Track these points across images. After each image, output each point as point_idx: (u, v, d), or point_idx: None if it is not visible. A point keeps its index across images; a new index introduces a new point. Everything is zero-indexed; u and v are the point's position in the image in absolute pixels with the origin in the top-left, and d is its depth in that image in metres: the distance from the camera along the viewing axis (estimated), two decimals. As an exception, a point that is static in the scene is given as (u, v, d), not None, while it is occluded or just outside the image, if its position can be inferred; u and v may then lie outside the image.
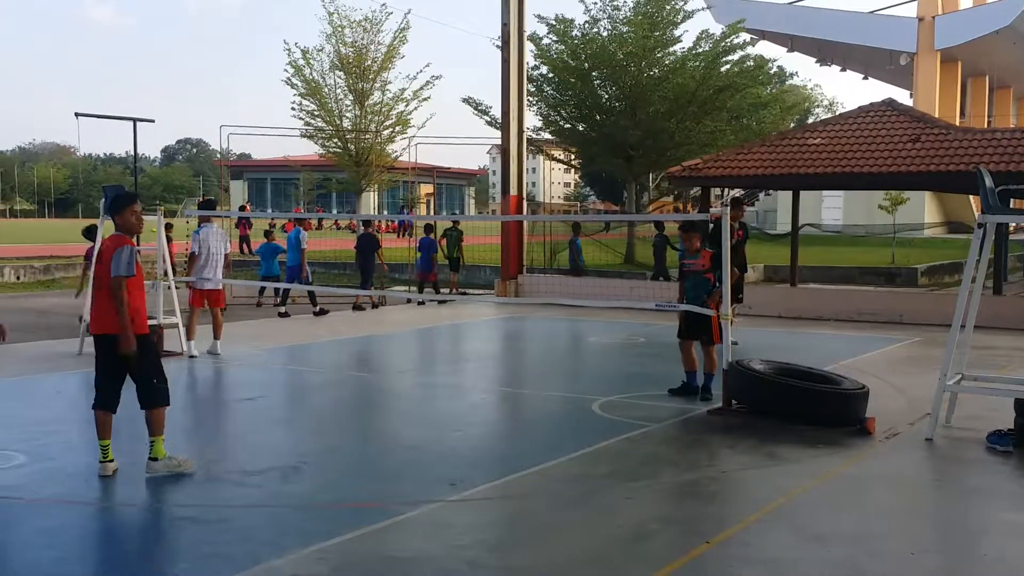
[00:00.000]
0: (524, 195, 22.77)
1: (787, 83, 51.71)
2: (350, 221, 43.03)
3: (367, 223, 21.30)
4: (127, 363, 6.73)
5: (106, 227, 13.48)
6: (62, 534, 5.80)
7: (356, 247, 20.34)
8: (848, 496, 6.64)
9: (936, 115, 31.82)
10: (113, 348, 6.71)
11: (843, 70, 58.23)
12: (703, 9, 32.80)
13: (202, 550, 5.71)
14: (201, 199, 22.88)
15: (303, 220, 19.96)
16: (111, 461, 6.88)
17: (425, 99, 35.38)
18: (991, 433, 8.00)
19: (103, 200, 13.28)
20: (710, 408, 9.33)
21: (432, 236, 21.44)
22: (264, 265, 19.46)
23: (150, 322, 12.85)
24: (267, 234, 19.88)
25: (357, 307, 19.33)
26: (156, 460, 6.81)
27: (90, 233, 13.43)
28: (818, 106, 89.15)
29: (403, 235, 33.78)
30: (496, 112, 27.63)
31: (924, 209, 46.11)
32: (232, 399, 6.89)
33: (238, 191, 77.29)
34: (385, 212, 58.01)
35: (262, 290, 19.61)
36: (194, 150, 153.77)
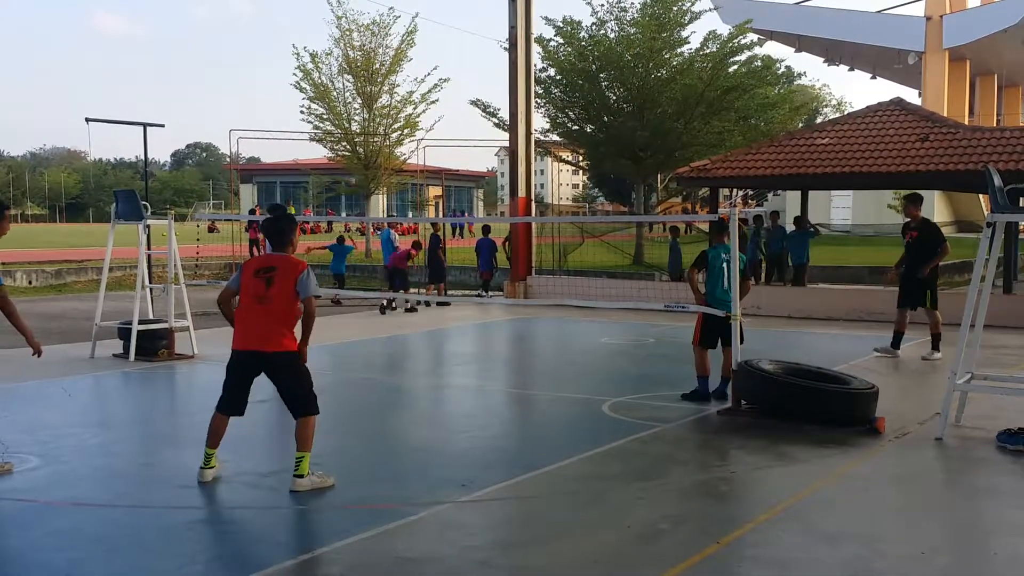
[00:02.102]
0: (532, 197, 22.81)
1: (795, 83, 51.59)
2: (361, 224, 43.17)
3: (434, 224, 22.95)
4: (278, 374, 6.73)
5: (117, 231, 13.60)
6: (75, 536, 5.84)
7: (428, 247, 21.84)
8: (858, 496, 6.65)
9: (945, 114, 31.76)
10: (268, 365, 6.67)
11: (851, 70, 58.10)
12: (710, 10, 32.77)
13: (215, 551, 5.76)
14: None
15: (394, 223, 23.80)
16: (211, 468, 6.81)
17: (433, 102, 35.60)
18: (1001, 432, 7.99)
19: (114, 204, 13.41)
20: (720, 408, 9.34)
21: (490, 237, 22.71)
22: (334, 264, 22.31)
23: (162, 325, 13.03)
24: (340, 239, 22.77)
25: (441, 303, 20.81)
26: (301, 477, 6.63)
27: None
28: (826, 106, 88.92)
29: (458, 235, 34.56)
30: (504, 114, 27.67)
31: (934, 208, 45.94)
32: (248, 399, 6.98)
33: (248, 195, 77.52)
34: (440, 215, 58.39)
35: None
36: (204, 154, 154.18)
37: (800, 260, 21.26)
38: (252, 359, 6.70)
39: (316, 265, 26.10)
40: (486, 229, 23.21)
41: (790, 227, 22.60)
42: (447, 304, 20.86)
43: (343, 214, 67.83)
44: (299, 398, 6.70)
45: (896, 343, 13.10)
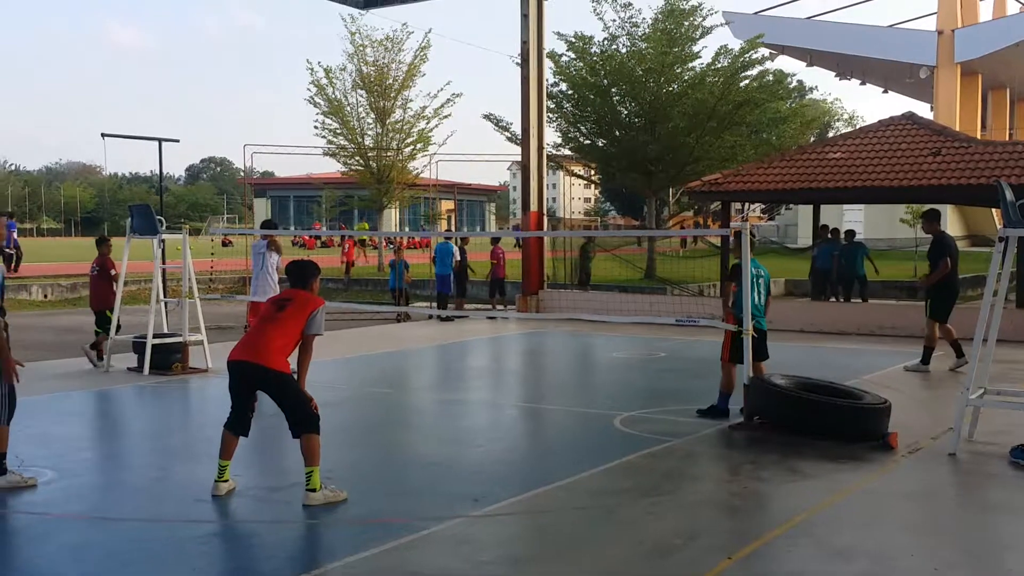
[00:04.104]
0: (544, 211, 22.84)
1: (807, 97, 51.60)
2: (370, 238, 43.32)
3: (463, 239, 23.35)
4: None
5: (132, 245, 13.68)
6: (89, 550, 5.88)
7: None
8: (871, 511, 6.63)
9: (957, 128, 31.70)
10: (261, 381, 6.79)
11: (863, 84, 58.05)
12: (722, 25, 32.83)
13: (228, 565, 5.79)
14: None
15: (450, 237, 24.02)
16: (225, 481, 6.91)
17: (446, 116, 35.71)
18: (1015, 448, 7.95)
19: (129, 219, 13.50)
20: (732, 423, 9.32)
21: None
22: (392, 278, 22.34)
23: (176, 339, 13.10)
24: (397, 251, 22.76)
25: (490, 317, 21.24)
26: (313, 491, 6.68)
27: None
28: (838, 120, 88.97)
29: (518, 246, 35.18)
30: (516, 128, 27.74)
31: (946, 222, 45.66)
32: (257, 414, 7.02)
33: (261, 209, 77.79)
34: (495, 227, 58.59)
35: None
36: (218, 168, 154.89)
37: (860, 273, 20.98)
38: (243, 369, 6.80)
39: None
40: (539, 242, 23.57)
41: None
42: (465, 317, 21.03)
43: (354, 227, 68.04)
44: (295, 417, 6.76)
45: (925, 358, 13.01)
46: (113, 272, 13.47)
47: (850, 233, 21.98)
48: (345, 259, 32.41)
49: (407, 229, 61.65)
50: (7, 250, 28.72)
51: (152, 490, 7.31)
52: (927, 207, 14.21)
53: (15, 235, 29.69)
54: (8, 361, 7.06)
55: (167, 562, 5.65)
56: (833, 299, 21.16)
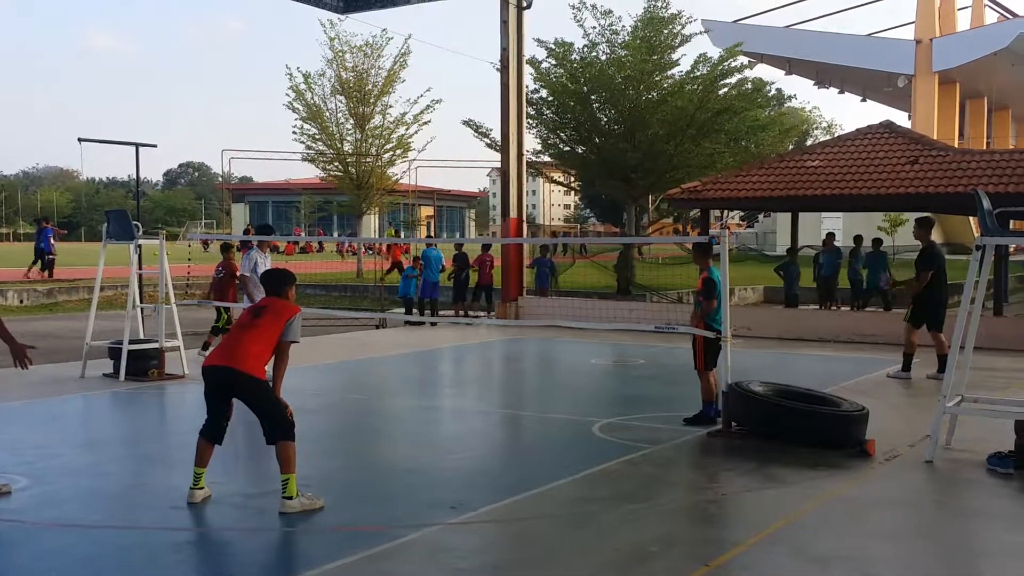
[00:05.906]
0: (524, 217, 22.85)
1: (785, 105, 51.75)
2: (349, 244, 43.27)
3: (459, 245, 24.05)
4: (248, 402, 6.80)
5: (108, 251, 13.58)
6: (62, 557, 5.81)
7: (455, 265, 22.34)
8: (848, 518, 6.64)
9: (935, 137, 32.02)
10: (236, 387, 6.72)
11: (841, 92, 58.53)
12: (701, 33, 32.86)
13: (203, 573, 5.73)
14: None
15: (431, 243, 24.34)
16: (200, 489, 6.85)
17: (425, 123, 35.72)
18: (991, 455, 8.00)
19: (105, 224, 13.40)
20: (710, 430, 9.33)
21: (548, 257, 23.53)
22: (404, 286, 22.06)
23: (152, 345, 13.00)
24: (415, 260, 22.52)
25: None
26: (290, 499, 6.63)
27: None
28: (816, 128, 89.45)
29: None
30: (496, 135, 27.76)
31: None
32: (232, 422, 6.97)
33: (240, 214, 77.53)
34: (474, 234, 58.37)
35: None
36: (196, 174, 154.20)
37: (881, 283, 20.93)
38: (218, 375, 6.75)
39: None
40: (544, 249, 23.88)
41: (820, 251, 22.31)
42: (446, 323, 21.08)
43: (335, 234, 67.91)
44: (270, 424, 6.71)
45: (906, 365, 13.01)
46: (238, 274, 13.71)
47: (877, 241, 21.66)
48: (392, 260, 32.54)
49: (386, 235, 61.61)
50: (49, 256, 28.81)
51: (127, 497, 7.23)
52: (918, 215, 14.17)
53: (52, 240, 29.89)
54: (17, 346, 7.09)
55: (141, 570, 5.59)
56: (835, 307, 21.21)
